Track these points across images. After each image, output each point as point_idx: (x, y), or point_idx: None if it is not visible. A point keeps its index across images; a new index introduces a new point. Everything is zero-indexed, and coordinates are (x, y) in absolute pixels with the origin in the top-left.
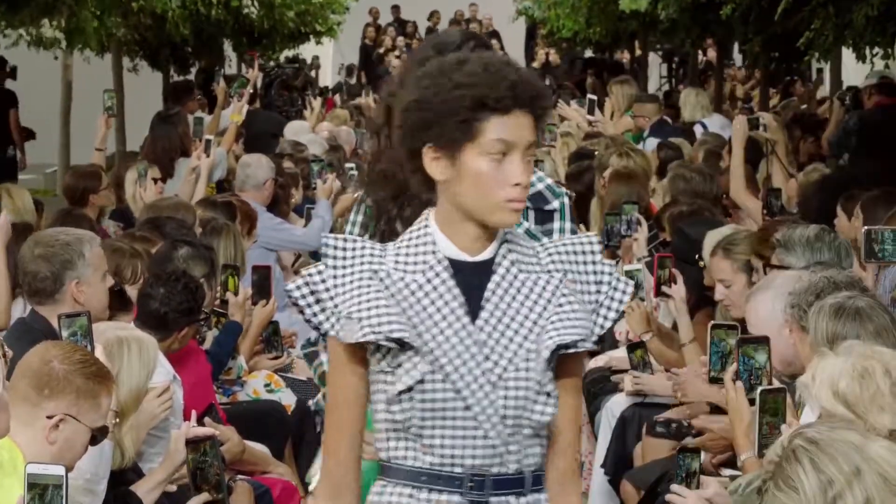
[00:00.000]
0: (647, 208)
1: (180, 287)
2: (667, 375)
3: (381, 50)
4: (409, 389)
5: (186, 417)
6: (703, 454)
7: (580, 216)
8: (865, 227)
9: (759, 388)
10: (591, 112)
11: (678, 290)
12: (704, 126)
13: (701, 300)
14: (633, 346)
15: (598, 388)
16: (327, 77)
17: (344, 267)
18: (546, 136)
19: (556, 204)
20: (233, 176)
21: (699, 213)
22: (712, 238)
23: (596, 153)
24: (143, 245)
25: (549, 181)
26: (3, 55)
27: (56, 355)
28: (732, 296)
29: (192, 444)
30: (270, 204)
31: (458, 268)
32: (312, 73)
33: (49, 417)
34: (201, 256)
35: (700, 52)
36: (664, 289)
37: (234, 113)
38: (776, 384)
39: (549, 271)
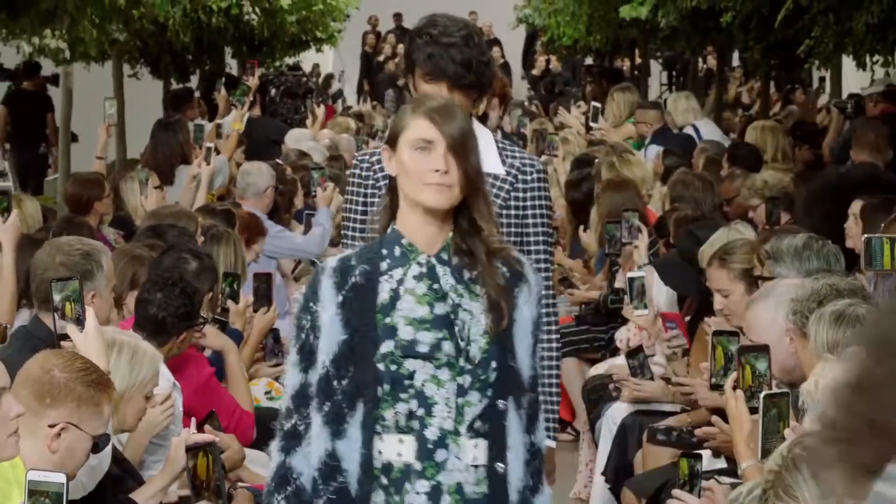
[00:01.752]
0: (644, 215)
1: (177, 292)
2: (663, 384)
3: (381, 58)
4: None
5: (186, 424)
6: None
7: (580, 223)
8: (865, 236)
9: (763, 393)
10: (594, 119)
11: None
12: (696, 129)
13: (703, 305)
14: (632, 353)
15: (598, 395)
16: (332, 87)
17: None
18: (549, 145)
19: None
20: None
21: (704, 218)
22: (710, 247)
23: (596, 161)
24: (150, 253)
25: None
26: (6, 60)
27: (56, 364)
28: (731, 304)
29: (193, 450)
30: (270, 211)
31: None
32: (315, 79)
33: (51, 426)
34: (205, 266)
35: (700, 59)
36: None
37: (235, 121)
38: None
39: None
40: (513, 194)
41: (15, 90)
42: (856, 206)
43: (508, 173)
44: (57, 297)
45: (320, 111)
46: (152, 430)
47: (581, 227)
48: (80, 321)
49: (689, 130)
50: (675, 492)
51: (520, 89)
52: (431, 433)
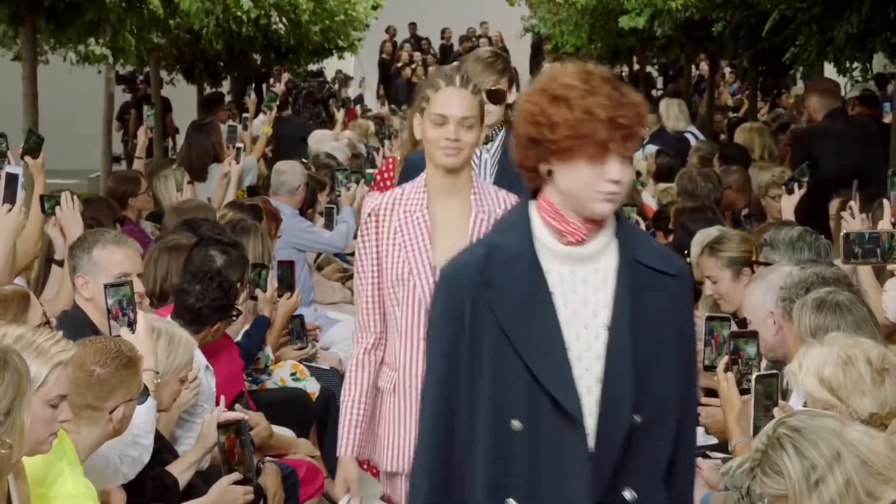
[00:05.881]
0: (641, 209)
1: (214, 285)
2: None
3: (399, 64)
4: None
5: (218, 404)
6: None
7: None
8: (844, 231)
9: (755, 374)
10: None
11: None
12: (695, 135)
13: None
14: None
15: None
16: (349, 89)
17: None
18: None
19: None
20: (265, 181)
21: (702, 211)
22: (699, 240)
23: None
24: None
25: None
26: (54, 68)
27: (94, 362)
28: (720, 289)
29: (224, 427)
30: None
31: None
32: (336, 86)
33: (111, 411)
34: (234, 258)
35: (693, 66)
36: None
37: (265, 124)
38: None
39: None
40: None
41: (142, 95)
42: (837, 202)
43: None
44: (110, 301)
45: (340, 114)
46: (181, 406)
47: None
48: (131, 324)
49: (687, 135)
50: None
51: None
52: None
